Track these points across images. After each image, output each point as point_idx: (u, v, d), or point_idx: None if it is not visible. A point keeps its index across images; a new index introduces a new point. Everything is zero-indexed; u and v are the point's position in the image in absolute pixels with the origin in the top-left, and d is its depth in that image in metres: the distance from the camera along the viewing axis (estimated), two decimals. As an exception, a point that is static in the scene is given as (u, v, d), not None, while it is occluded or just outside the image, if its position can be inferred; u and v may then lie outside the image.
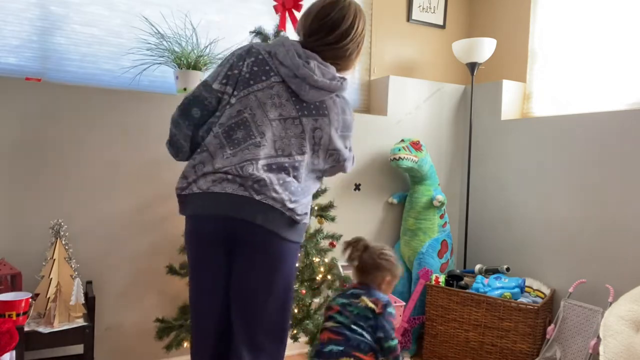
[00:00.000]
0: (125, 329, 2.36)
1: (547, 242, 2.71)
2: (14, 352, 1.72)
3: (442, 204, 2.86)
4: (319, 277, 2.23)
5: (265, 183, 1.34)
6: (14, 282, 1.97)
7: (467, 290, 2.56)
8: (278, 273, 1.37)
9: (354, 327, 1.63)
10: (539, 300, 2.51)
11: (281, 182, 1.38)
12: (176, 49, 2.46)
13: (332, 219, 2.32)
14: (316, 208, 2.28)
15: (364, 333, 1.63)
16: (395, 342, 1.64)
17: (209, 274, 1.40)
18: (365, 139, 2.94)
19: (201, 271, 1.41)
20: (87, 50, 2.39)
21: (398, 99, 3.05)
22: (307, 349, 2.27)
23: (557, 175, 2.68)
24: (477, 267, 2.78)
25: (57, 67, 2.33)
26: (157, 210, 2.40)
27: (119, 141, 2.31)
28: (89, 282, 2.22)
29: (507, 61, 3.22)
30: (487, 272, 2.72)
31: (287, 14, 2.29)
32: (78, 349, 2.21)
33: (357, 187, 2.94)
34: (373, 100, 3.16)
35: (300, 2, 2.23)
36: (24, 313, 1.81)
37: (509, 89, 3.04)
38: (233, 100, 1.41)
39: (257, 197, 1.32)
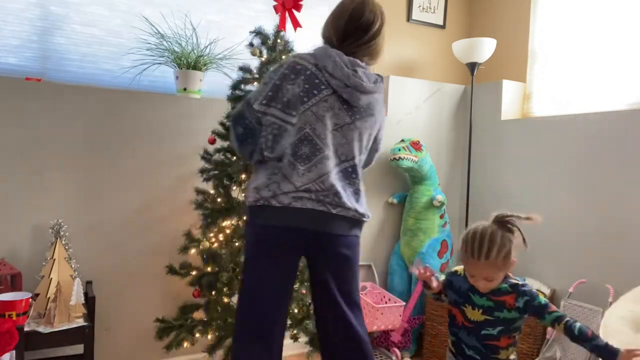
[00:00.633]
0: (125, 329, 2.36)
1: (547, 242, 2.71)
2: (14, 352, 1.72)
3: (442, 204, 2.86)
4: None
5: (341, 195, 1.52)
6: (14, 282, 1.97)
7: (467, 290, 2.56)
8: (356, 258, 1.64)
9: None
10: (539, 300, 2.51)
11: (350, 190, 1.57)
12: (176, 49, 2.46)
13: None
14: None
15: None
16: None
17: (275, 272, 1.55)
18: (365, 139, 2.94)
19: (268, 269, 1.54)
20: (87, 50, 2.39)
21: (398, 99, 3.05)
22: (307, 349, 2.27)
23: (557, 175, 2.68)
24: (477, 267, 2.77)
25: (57, 67, 2.33)
26: (157, 210, 2.40)
27: (119, 141, 2.31)
28: (89, 282, 2.22)
29: (507, 61, 3.22)
30: (487, 272, 2.71)
31: (287, 14, 2.28)
32: (78, 349, 2.21)
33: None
34: (373, 100, 3.15)
35: (301, 2, 2.23)
36: (24, 313, 1.81)
37: (509, 89, 3.04)
38: (292, 120, 1.50)
39: (334, 211, 1.52)
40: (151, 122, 2.37)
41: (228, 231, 2.13)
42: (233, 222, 2.14)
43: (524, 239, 1.50)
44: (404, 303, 2.71)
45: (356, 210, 1.56)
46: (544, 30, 2.99)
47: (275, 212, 1.49)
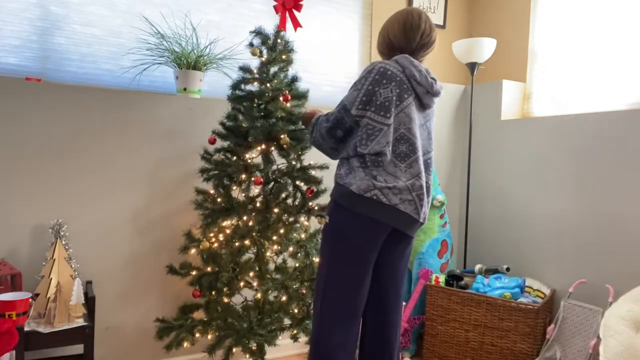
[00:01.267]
0: (125, 329, 2.36)
1: (547, 242, 2.71)
2: (14, 352, 1.72)
3: (442, 204, 2.86)
4: (319, 277, 2.22)
5: (427, 201, 1.77)
6: (14, 282, 1.97)
7: (467, 290, 2.56)
8: (409, 257, 1.94)
9: None
10: (539, 300, 2.51)
11: (428, 195, 1.80)
12: (176, 49, 2.46)
13: (332, 219, 2.31)
14: (316, 208, 2.28)
15: None
16: None
17: (369, 264, 1.74)
18: (365, 139, 2.93)
19: (367, 259, 1.73)
20: (87, 50, 2.39)
21: (398, 99, 3.04)
22: (306, 349, 2.27)
23: (557, 175, 2.68)
24: (477, 267, 2.78)
25: (57, 67, 2.33)
26: (157, 210, 2.40)
27: (119, 141, 2.31)
28: (89, 282, 2.22)
29: (507, 61, 3.22)
30: (487, 272, 2.72)
31: (287, 14, 2.28)
32: (78, 349, 2.21)
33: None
34: (373, 100, 3.15)
35: (301, 2, 2.23)
36: (24, 313, 1.81)
37: (509, 89, 3.04)
38: (386, 121, 1.68)
39: (420, 220, 1.74)
40: (151, 122, 2.37)
41: (228, 231, 2.13)
42: (233, 222, 2.14)
43: None
44: (404, 303, 2.71)
45: (425, 217, 1.79)
46: (543, 30, 2.99)
47: (383, 209, 1.66)
